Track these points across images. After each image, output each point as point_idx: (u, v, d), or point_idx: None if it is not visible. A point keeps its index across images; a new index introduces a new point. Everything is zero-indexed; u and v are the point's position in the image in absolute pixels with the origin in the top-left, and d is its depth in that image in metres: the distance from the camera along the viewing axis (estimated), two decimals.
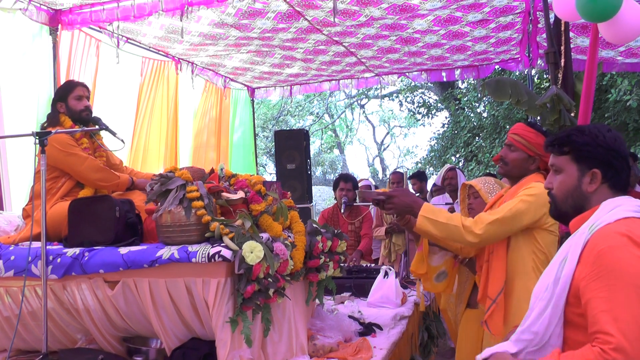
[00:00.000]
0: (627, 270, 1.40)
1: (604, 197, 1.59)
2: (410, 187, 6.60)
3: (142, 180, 3.10)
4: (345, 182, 5.21)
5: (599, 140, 1.59)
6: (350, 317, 3.10)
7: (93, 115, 3.11)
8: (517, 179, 2.53)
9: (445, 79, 7.14)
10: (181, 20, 4.47)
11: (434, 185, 6.41)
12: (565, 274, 1.51)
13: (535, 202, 2.32)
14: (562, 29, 3.48)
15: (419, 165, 14.33)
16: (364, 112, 23.04)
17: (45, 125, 3.02)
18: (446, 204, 5.18)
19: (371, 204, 5.62)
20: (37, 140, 2.36)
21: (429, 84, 14.22)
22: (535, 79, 10.14)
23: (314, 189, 8.32)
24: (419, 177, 6.64)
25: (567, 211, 1.65)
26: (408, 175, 6.88)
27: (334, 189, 5.36)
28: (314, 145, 22.32)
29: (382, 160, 24.27)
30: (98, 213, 2.57)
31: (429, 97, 15.47)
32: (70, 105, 3.02)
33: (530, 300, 1.64)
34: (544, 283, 1.59)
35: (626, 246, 1.42)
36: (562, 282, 1.51)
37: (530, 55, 5.21)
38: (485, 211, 2.56)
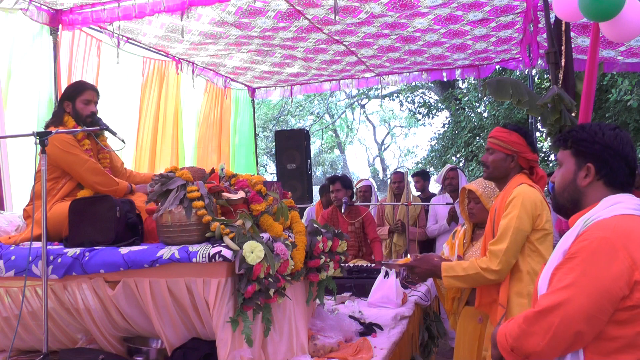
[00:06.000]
0: (594, 256, 1.45)
1: (599, 194, 1.62)
2: (412, 185, 6.62)
3: (140, 185, 3.13)
4: (332, 183, 5.19)
5: (597, 137, 1.64)
6: (350, 317, 3.10)
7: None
8: (501, 180, 2.64)
9: (445, 79, 7.15)
10: (181, 20, 4.47)
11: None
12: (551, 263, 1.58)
13: (525, 212, 2.43)
14: (563, 29, 3.48)
15: (420, 165, 14.33)
16: (364, 112, 23.06)
17: (49, 122, 3.02)
18: (447, 204, 5.17)
19: (371, 204, 5.67)
20: (38, 141, 2.35)
21: (430, 84, 14.21)
22: (536, 79, 10.14)
23: (315, 189, 8.32)
24: (423, 175, 6.68)
25: (564, 204, 1.71)
26: (411, 174, 6.92)
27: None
28: (315, 145, 22.33)
29: (382, 160, 24.29)
30: (98, 213, 2.57)
31: (430, 97, 15.46)
32: (77, 107, 3.01)
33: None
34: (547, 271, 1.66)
35: (609, 242, 1.45)
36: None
37: (531, 55, 5.20)
38: (489, 222, 2.62)
